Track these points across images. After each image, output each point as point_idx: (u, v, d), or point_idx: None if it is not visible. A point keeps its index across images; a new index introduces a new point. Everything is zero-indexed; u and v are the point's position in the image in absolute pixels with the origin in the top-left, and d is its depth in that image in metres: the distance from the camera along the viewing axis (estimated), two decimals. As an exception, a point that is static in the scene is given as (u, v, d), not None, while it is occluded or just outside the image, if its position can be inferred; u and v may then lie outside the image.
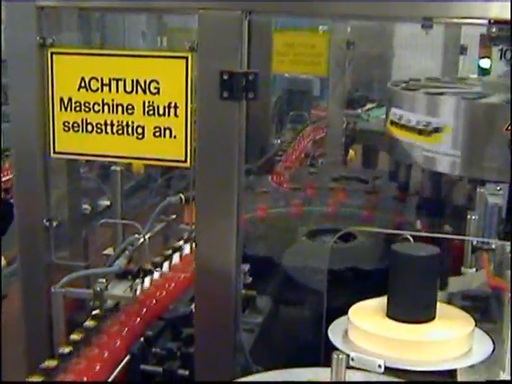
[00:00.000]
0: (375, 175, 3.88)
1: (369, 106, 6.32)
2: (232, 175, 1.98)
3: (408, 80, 3.61)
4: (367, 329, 1.91)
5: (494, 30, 1.87)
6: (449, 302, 2.28)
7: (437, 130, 2.85)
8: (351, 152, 5.26)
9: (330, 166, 4.30)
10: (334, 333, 1.99)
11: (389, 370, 1.80)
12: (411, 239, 1.95)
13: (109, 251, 2.52)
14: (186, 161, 2.03)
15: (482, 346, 1.91)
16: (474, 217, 2.40)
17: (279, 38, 4.60)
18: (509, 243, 2.17)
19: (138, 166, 4.61)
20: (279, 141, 4.97)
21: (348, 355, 1.84)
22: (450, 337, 1.88)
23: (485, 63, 4.70)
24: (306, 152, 4.56)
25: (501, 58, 2.49)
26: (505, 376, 1.70)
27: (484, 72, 4.55)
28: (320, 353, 1.99)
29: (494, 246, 2.32)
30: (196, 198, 2.03)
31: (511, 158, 2.04)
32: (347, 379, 1.62)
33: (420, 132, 2.90)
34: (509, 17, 1.80)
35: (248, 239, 2.91)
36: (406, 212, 3.08)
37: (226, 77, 1.92)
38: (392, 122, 3.12)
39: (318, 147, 4.84)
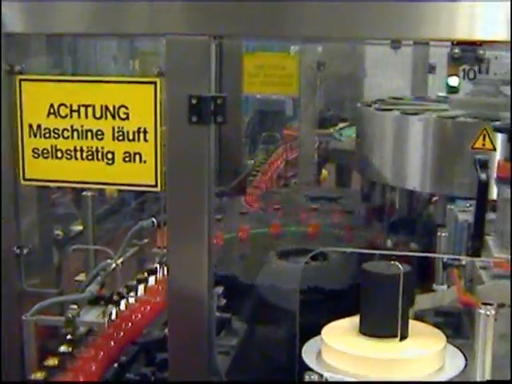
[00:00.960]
0: (348, 194, 3.91)
1: (341, 125, 6.36)
2: (202, 198, 1.99)
3: (376, 100, 3.66)
4: (340, 348, 1.92)
5: (456, 50, 1.90)
6: (421, 318, 2.29)
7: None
8: (324, 171, 5.28)
9: (304, 186, 4.32)
10: (308, 353, 1.99)
11: (362, 389, 1.81)
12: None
13: (81, 277, 2.51)
14: (156, 185, 2.04)
15: (454, 362, 1.93)
16: (444, 234, 2.42)
17: (250, 59, 4.63)
18: (478, 259, 2.20)
19: (111, 189, 4.60)
20: (253, 161, 4.99)
21: (321, 375, 1.86)
22: (422, 354, 1.89)
23: (453, 81, 4.74)
24: (278, 173, 4.58)
25: (464, 77, 2.53)
26: (475, 392, 1.72)
27: (452, 90, 4.59)
28: (295, 374, 1.99)
29: (464, 263, 2.35)
30: (167, 221, 2.03)
31: (477, 175, 2.07)
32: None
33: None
34: (473, 38, 1.85)
35: (221, 261, 2.93)
36: (378, 230, 3.10)
37: (194, 101, 1.93)
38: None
39: (290, 167, 4.86)
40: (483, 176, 2.04)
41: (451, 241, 2.57)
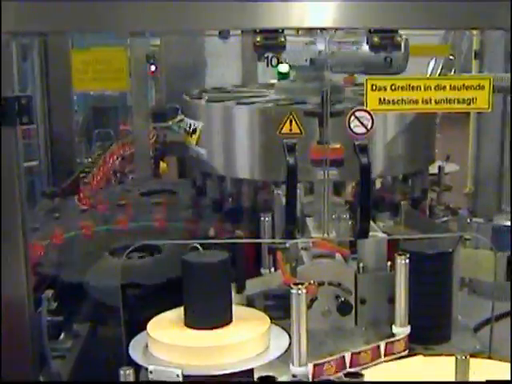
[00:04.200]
0: (185, 186, 3.90)
1: (180, 117, 6.34)
2: (13, 202, 1.93)
3: (204, 89, 3.69)
4: (165, 340, 1.93)
5: (258, 38, 1.94)
6: (251, 303, 2.34)
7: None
8: (163, 165, 5.26)
9: (140, 181, 4.28)
10: (136, 348, 1.99)
11: (189, 378, 1.83)
12: (200, 248, 1.98)
13: None
14: (-36, 193, 1.96)
15: (279, 343, 1.98)
16: (266, 218, 2.48)
17: (77, 56, 4.53)
18: (294, 241, 2.27)
19: None
20: (89, 160, 4.90)
21: (146, 369, 1.86)
22: (245, 338, 1.93)
23: (283, 68, 4.83)
24: (114, 169, 4.52)
25: (268, 65, 2.58)
26: (294, 369, 1.77)
27: (283, 76, 4.68)
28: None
29: (288, 245, 2.41)
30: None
31: (286, 161, 2.12)
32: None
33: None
34: (304, 26, 1.90)
35: (52, 264, 2.86)
36: (209, 220, 3.12)
37: (-4, 103, 1.87)
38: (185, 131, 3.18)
39: (127, 163, 4.81)
40: (291, 160, 2.09)
41: (279, 224, 2.63)
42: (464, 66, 6.31)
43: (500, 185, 5.37)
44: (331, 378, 1.41)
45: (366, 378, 1.39)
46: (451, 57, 5.23)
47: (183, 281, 1.98)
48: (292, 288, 1.78)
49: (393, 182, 3.24)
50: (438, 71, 6.29)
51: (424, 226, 2.86)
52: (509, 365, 1.80)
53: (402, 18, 1.96)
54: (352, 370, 1.77)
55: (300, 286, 1.76)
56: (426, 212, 3.60)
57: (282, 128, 2.31)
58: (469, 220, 3.51)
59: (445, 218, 3.66)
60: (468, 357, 1.61)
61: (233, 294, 2.21)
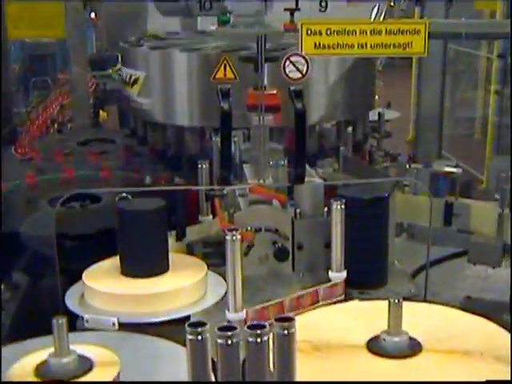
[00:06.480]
0: (124, 135, 3.85)
1: (119, 65, 6.24)
2: None
3: (142, 36, 3.62)
4: (101, 289, 1.91)
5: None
6: (190, 250, 2.33)
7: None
8: (102, 113, 5.17)
9: (79, 131, 4.21)
10: (72, 297, 1.97)
11: (125, 326, 1.82)
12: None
13: None
14: None
15: (216, 290, 1.98)
16: (204, 165, 2.45)
17: (12, 2, 4.38)
18: (231, 187, 2.26)
19: None
20: (27, 109, 4.79)
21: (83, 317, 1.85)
22: (181, 285, 1.92)
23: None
24: (52, 118, 4.43)
25: (200, 9, 2.53)
26: (230, 315, 1.76)
27: (224, 22, 4.62)
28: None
29: (225, 192, 2.39)
30: None
31: (220, 106, 2.09)
32: (81, 340, 1.61)
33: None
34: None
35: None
36: (148, 168, 3.09)
37: None
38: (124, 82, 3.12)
39: (65, 112, 4.71)
40: (225, 106, 2.07)
41: (217, 172, 2.61)
42: (406, 12, 6.32)
43: (440, 131, 5.43)
44: (267, 323, 1.40)
45: (302, 323, 1.39)
46: (392, 3, 5.22)
47: (119, 229, 1.96)
48: (227, 234, 1.76)
49: (332, 129, 3.25)
50: (381, 17, 6.29)
51: (362, 172, 2.87)
52: (442, 307, 1.82)
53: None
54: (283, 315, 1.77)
55: (234, 232, 1.75)
56: (366, 158, 3.62)
57: (216, 73, 2.28)
58: (408, 166, 3.53)
59: (384, 164, 3.68)
60: (401, 300, 1.62)
61: (173, 241, 2.20)
